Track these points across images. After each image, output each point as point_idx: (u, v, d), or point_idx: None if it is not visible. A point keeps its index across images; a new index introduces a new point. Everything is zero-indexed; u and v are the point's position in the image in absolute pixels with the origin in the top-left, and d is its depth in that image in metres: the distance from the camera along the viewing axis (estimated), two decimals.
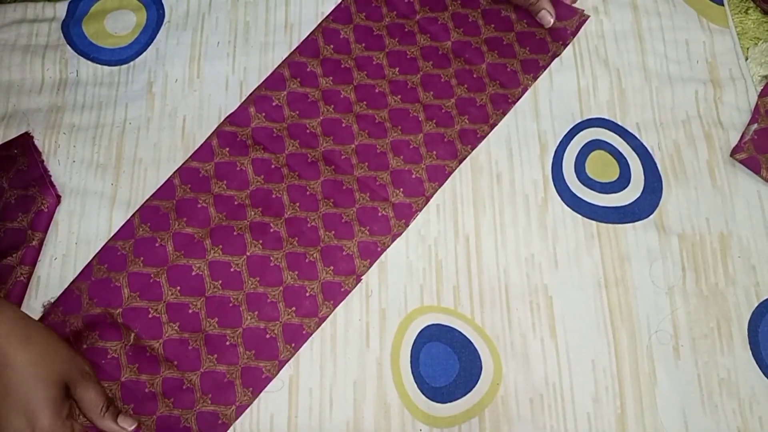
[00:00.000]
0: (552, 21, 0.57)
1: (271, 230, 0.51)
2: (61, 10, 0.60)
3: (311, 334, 0.49)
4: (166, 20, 0.60)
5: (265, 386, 0.48)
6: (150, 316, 0.49)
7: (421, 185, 0.53)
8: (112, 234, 0.51)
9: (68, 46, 0.59)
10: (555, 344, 0.49)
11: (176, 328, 0.49)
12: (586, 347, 0.49)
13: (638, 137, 0.55)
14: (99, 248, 0.51)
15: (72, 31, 0.59)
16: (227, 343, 0.48)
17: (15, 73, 0.58)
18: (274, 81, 0.56)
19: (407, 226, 0.52)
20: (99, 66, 0.58)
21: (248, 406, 0.47)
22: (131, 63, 0.59)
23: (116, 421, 0.44)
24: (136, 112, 0.56)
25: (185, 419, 0.46)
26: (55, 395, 0.41)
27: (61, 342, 0.44)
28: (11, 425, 0.40)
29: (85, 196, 0.53)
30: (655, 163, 0.54)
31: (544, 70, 0.57)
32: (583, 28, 0.58)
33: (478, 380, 0.48)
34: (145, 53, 0.59)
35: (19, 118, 0.56)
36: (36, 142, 0.54)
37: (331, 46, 0.58)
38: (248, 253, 0.51)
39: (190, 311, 0.49)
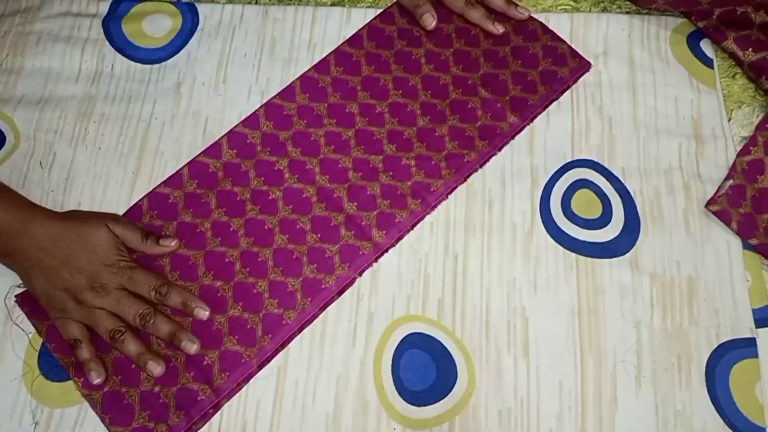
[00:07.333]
0: (433, 24, 0.63)
1: (304, 195, 0.58)
2: (104, 7, 0.65)
3: (329, 289, 0.54)
4: (199, 28, 0.65)
5: (286, 335, 0.52)
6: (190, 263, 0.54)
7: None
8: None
9: (107, 42, 0.63)
10: (527, 362, 0.52)
11: (210, 276, 0.54)
12: (555, 368, 0.52)
13: (622, 181, 0.59)
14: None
15: (112, 29, 0.64)
16: (254, 291, 0.54)
17: (55, 61, 0.62)
18: (288, 92, 0.62)
19: (423, 207, 0.57)
20: (133, 63, 0.63)
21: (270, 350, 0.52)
22: (163, 63, 0.63)
23: (159, 243, 0.53)
24: (163, 108, 0.61)
25: (209, 358, 0.51)
26: (105, 249, 0.50)
27: (86, 213, 0.53)
28: (77, 284, 0.49)
29: (108, 180, 0.57)
30: (635, 206, 0.58)
31: (535, 109, 0.61)
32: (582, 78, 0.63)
33: (452, 388, 0.51)
34: (177, 56, 0.63)
35: (54, 103, 0.60)
36: (66, 127, 0.59)
37: (341, 68, 0.63)
38: (279, 217, 0.56)
39: (227, 260, 0.55)
